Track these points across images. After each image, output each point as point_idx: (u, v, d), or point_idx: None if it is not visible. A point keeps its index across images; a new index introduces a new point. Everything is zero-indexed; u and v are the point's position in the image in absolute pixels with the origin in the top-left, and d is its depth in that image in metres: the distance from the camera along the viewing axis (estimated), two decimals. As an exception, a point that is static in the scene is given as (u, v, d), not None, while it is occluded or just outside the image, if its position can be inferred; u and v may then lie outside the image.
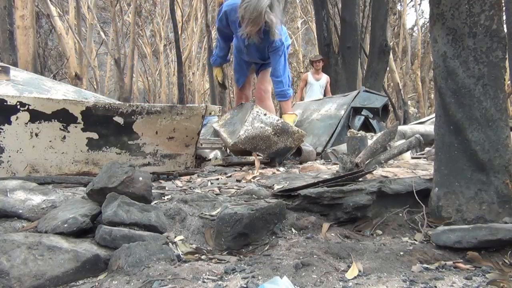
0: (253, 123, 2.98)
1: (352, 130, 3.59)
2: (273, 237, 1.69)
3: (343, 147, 3.18)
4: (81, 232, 1.48)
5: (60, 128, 2.45)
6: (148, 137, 2.69)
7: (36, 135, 2.41)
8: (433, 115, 3.52)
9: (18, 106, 2.32)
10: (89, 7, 15.25)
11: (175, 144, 2.80)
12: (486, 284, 1.20)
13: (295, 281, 1.20)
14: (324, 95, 6.89)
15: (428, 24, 5.73)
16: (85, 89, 9.52)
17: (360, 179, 2.09)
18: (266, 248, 1.58)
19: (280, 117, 3.55)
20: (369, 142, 2.79)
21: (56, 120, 2.43)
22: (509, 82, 10.93)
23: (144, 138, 2.68)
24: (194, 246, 1.59)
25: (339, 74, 8.31)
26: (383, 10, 8.45)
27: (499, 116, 1.63)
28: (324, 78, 7.06)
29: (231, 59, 4.81)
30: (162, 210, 1.68)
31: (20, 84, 3.03)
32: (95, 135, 2.55)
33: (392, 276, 1.25)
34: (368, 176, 2.20)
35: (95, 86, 16.42)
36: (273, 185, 2.25)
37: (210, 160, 3.43)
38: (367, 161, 2.48)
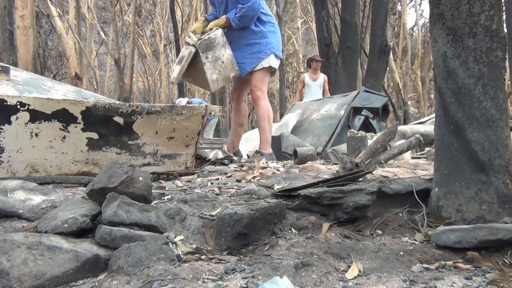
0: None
1: (352, 130, 3.59)
2: (273, 237, 1.69)
3: (343, 147, 3.18)
4: (81, 232, 1.48)
5: (60, 128, 2.45)
6: (148, 137, 2.69)
7: (36, 135, 2.41)
8: (433, 115, 3.52)
9: (18, 106, 2.32)
10: (89, 7, 15.27)
11: (175, 144, 2.80)
12: (486, 284, 1.20)
13: (295, 281, 1.20)
14: (323, 95, 6.89)
15: (428, 24, 5.73)
16: (85, 89, 9.52)
17: (360, 179, 2.09)
18: (266, 248, 1.58)
19: None
20: (369, 142, 2.79)
21: (56, 120, 2.43)
22: (509, 82, 10.93)
23: (144, 138, 2.68)
24: (194, 246, 1.59)
25: (339, 74, 8.32)
26: (383, 10, 8.47)
27: (499, 116, 1.63)
28: (321, 77, 7.06)
29: None
30: (162, 210, 1.68)
31: (20, 84, 3.03)
32: (95, 135, 2.55)
33: (392, 276, 1.25)
34: (368, 176, 2.20)
35: (95, 86, 16.43)
36: (273, 185, 2.25)
37: (210, 160, 3.43)
38: (367, 161, 2.47)
